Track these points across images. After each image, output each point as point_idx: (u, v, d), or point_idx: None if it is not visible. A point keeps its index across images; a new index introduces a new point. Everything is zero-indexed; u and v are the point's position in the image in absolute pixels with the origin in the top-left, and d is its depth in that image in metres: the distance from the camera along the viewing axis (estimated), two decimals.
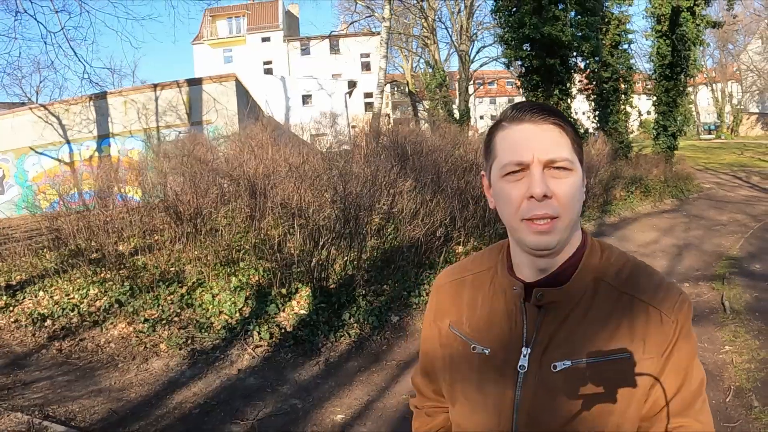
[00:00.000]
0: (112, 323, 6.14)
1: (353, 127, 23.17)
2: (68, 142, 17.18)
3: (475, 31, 31.49)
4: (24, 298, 7.04)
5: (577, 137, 1.07)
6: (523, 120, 1.03)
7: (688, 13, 18.74)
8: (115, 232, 7.40)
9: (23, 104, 28.67)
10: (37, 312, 6.61)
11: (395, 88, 47.37)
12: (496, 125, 1.09)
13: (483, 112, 55.42)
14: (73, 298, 6.89)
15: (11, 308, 6.85)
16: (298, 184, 6.69)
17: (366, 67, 36.09)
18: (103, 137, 17.05)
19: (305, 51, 35.77)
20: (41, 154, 17.33)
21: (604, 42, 18.28)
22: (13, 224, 13.51)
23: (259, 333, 5.37)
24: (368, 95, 34.62)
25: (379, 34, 30.76)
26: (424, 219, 7.23)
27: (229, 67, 34.12)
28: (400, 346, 5.25)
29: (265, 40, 36.11)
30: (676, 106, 19.86)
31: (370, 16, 23.43)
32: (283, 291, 6.03)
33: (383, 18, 17.36)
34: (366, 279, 6.23)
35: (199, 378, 4.73)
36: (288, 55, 35.66)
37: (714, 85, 55.97)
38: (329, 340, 5.30)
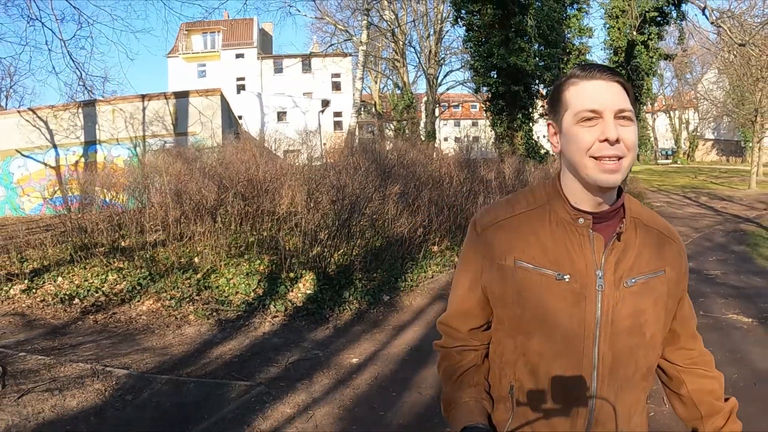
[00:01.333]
0: (139, 301, 7.04)
1: (324, 144, 24.14)
2: (55, 146, 17.62)
3: (443, 55, 32.97)
4: (43, 282, 7.80)
5: (634, 97, 1.27)
6: (594, 77, 1.23)
7: (642, 47, 20.41)
8: (139, 225, 8.26)
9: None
10: (62, 293, 7.43)
11: (362, 108, 48.56)
12: (566, 82, 1.29)
13: (447, 133, 57.09)
14: (93, 282, 7.71)
15: (34, 290, 7.61)
16: (303, 186, 7.74)
17: (336, 86, 37.32)
18: (90, 143, 17.54)
19: (278, 69, 36.84)
20: (27, 157, 17.73)
21: (564, 71, 19.83)
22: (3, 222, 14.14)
23: (275, 306, 6.39)
24: (337, 114, 35.81)
25: (350, 55, 32.02)
26: (408, 219, 8.38)
27: (203, 81, 34.88)
28: (393, 317, 6.34)
29: (239, 56, 37.01)
30: None
31: (347, 40, 24.52)
32: (291, 275, 7.06)
33: (360, 42, 18.52)
34: (361, 267, 7.32)
35: (230, 339, 5.72)
36: (261, 73, 36.63)
37: (672, 112, 58.59)
38: (334, 312, 6.36)
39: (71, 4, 12.93)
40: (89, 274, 7.94)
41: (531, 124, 17.21)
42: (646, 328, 1.29)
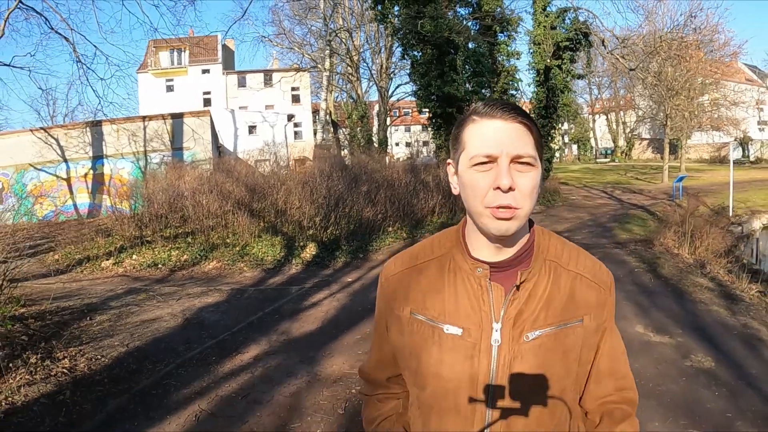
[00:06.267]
0: (205, 263, 11.65)
1: (291, 155, 28.64)
2: (65, 160, 21.49)
3: (393, 69, 37.76)
4: (124, 258, 12.27)
5: (540, 137, 1.24)
6: (494, 116, 1.18)
7: (557, 69, 25.73)
8: (199, 216, 12.85)
9: None
10: (146, 263, 11.94)
11: (318, 117, 53.15)
12: (466, 119, 1.24)
13: (398, 138, 62.15)
14: (163, 256, 12.21)
15: (121, 263, 12.06)
16: (305, 187, 12.54)
17: (296, 99, 41.81)
18: (98, 158, 21.60)
19: (242, 83, 41.33)
20: (40, 170, 21.50)
21: (495, 89, 24.90)
22: (19, 228, 18.48)
23: (294, 261, 11.16)
24: (297, 125, 40.38)
25: (308, 70, 36.68)
26: (371, 209, 13.28)
27: (171, 95, 39.10)
28: (367, 264, 11.22)
29: (205, 71, 41.25)
30: (551, 138, 26.84)
31: (313, 68, 29.11)
32: (301, 244, 11.84)
33: (325, 69, 23.22)
34: (344, 238, 12.16)
35: (275, 276, 10.45)
36: (226, 87, 41.00)
37: (610, 114, 64.71)
38: (331, 263, 11.19)
39: (98, 49, 17.06)
40: (155, 252, 12.38)
41: None
42: (553, 384, 1.25)
